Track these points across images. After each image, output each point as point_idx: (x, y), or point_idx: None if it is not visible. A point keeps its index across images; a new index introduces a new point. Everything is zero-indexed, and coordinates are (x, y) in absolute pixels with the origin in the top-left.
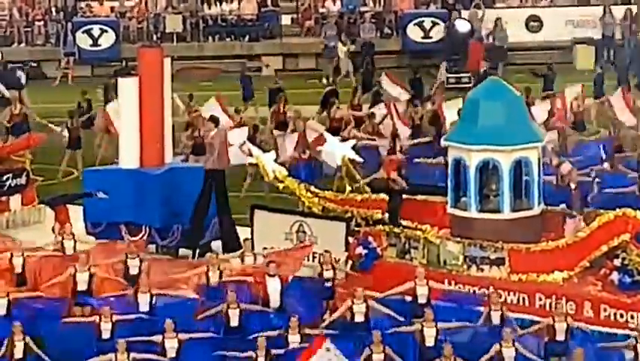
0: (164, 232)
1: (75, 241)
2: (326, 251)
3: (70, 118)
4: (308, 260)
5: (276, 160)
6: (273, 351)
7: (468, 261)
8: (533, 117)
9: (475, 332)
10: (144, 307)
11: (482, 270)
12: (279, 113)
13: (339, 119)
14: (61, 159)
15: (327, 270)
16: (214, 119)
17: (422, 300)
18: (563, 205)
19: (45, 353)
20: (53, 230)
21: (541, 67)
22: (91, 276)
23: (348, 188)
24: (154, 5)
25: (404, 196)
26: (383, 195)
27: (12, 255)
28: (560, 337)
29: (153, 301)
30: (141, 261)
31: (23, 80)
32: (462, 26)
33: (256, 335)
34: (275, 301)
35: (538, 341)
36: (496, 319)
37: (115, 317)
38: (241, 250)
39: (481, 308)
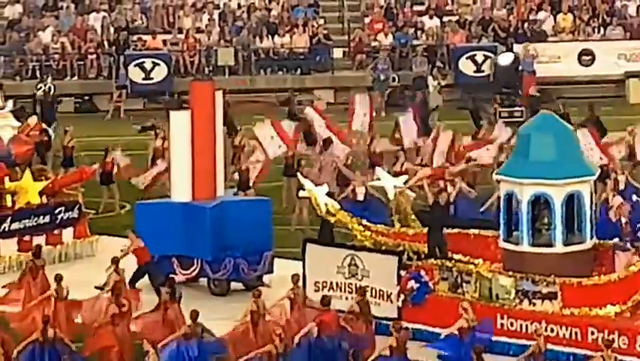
0: (215, 265)
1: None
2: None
3: (105, 153)
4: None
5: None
6: None
7: (520, 295)
8: None
9: None
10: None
11: (534, 304)
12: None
13: (380, 153)
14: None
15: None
16: (328, 141)
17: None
18: (616, 239)
19: None
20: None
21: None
22: None
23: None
24: (206, 38)
25: (456, 230)
26: None
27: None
28: None
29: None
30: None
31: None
32: (504, 59)
33: None
34: None
35: None
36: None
37: None
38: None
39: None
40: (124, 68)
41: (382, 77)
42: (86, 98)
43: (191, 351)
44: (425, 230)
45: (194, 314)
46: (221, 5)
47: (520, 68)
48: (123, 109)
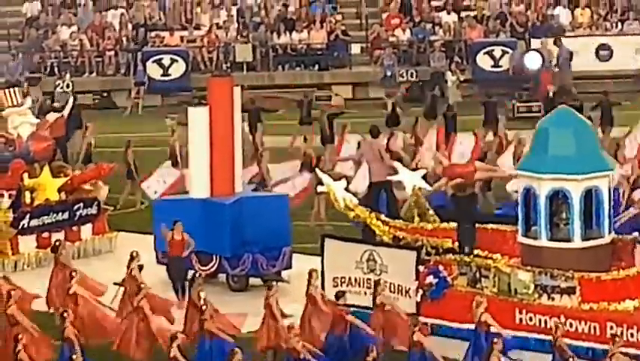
0: (234, 261)
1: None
2: (380, 280)
3: (126, 149)
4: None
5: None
6: None
7: (539, 290)
8: None
9: None
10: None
11: (553, 299)
12: (342, 142)
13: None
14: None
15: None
16: (374, 132)
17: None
18: (636, 233)
19: None
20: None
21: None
22: None
23: (417, 217)
24: (224, 35)
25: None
26: (453, 224)
27: None
28: None
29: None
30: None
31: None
32: (532, 62)
33: None
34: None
35: None
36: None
37: None
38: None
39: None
40: (142, 64)
41: (388, 73)
42: (105, 94)
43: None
44: (443, 225)
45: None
46: (239, 1)
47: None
48: (141, 105)
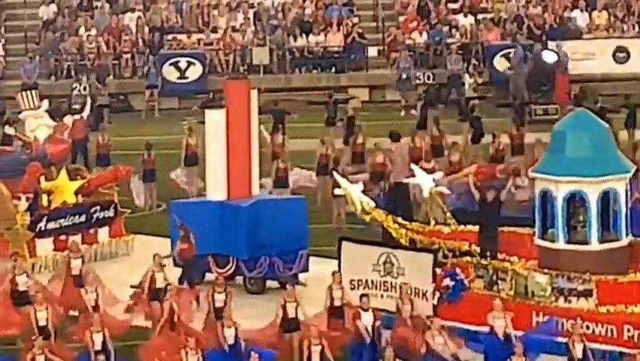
0: (251, 264)
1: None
2: (404, 284)
3: (146, 150)
4: (395, 291)
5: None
6: None
7: (556, 292)
8: None
9: None
10: (230, 341)
11: (570, 301)
12: (357, 145)
13: (420, 148)
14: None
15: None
16: (395, 136)
17: (499, 332)
18: None
19: None
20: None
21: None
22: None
23: (433, 220)
24: (241, 37)
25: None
26: (470, 227)
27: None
28: None
29: (238, 336)
30: (227, 295)
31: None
32: (549, 57)
33: None
34: (367, 335)
35: None
36: (578, 351)
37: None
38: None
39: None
40: (154, 66)
41: (404, 76)
42: (121, 97)
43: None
44: (460, 228)
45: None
46: (256, 4)
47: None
48: (158, 108)
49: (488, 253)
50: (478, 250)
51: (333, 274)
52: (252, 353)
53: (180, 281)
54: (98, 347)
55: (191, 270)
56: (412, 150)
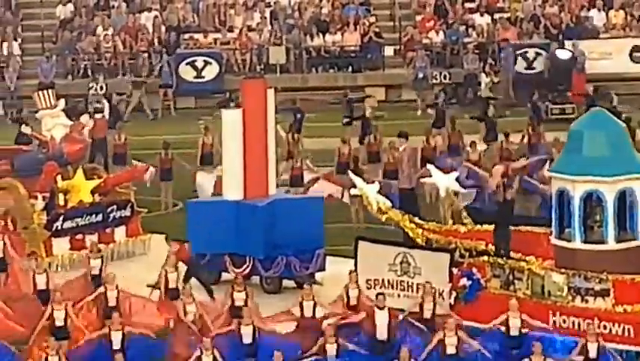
0: (267, 263)
1: (179, 274)
2: (427, 282)
3: (164, 150)
4: (412, 291)
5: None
6: None
7: (572, 292)
8: None
9: None
10: (247, 339)
11: (587, 301)
12: (373, 145)
13: (434, 147)
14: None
15: (427, 302)
16: (403, 135)
17: (514, 332)
18: None
19: None
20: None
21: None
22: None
23: (450, 219)
24: (257, 37)
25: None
26: (487, 227)
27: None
28: None
29: (256, 335)
30: (247, 294)
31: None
32: (563, 54)
33: None
34: (382, 333)
35: None
36: (593, 351)
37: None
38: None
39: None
40: (167, 66)
41: (421, 75)
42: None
43: None
44: (477, 228)
45: None
46: (273, 3)
47: (577, 66)
48: (174, 107)
49: (502, 252)
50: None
51: (349, 273)
52: (276, 352)
53: (185, 280)
54: (117, 345)
55: (192, 271)
56: (426, 149)
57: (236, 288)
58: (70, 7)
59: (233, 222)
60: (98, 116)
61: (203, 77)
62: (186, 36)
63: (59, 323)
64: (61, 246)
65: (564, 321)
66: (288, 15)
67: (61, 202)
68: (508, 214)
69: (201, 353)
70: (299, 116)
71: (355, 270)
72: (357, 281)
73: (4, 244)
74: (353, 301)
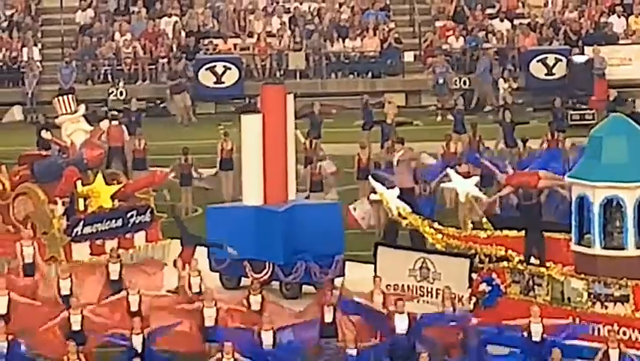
0: (287, 269)
1: (201, 278)
2: (447, 287)
3: (183, 155)
4: (432, 296)
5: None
6: None
7: (592, 298)
8: None
9: None
10: (268, 343)
11: (607, 307)
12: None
13: (454, 153)
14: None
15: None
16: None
17: (536, 337)
18: None
19: None
20: (175, 264)
21: None
22: (217, 311)
23: (470, 225)
24: (277, 42)
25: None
26: (507, 232)
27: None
28: None
29: (277, 338)
30: (263, 298)
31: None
32: (579, 57)
33: None
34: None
35: None
36: (614, 357)
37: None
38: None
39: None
40: (183, 72)
41: (440, 81)
42: (158, 102)
43: None
44: (497, 233)
45: None
46: (292, 9)
47: (592, 71)
48: (194, 112)
49: (535, 260)
50: (514, 254)
51: (374, 278)
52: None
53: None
54: (138, 349)
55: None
56: (446, 155)
57: (252, 293)
58: (90, 12)
59: (253, 227)
60: (114, 123)
61: (223, 83)
62: (206, 41)
63: (76, 327)
64: (81, 251)
65: (584, 327)
66: (307, 20)
67: (81, 207)
68: (536, 220)
69: (222, 356)
70: (317, 122)
71: (375, 275)
72: (381, 287)
73: (34, 249)
74: (378, 307)
